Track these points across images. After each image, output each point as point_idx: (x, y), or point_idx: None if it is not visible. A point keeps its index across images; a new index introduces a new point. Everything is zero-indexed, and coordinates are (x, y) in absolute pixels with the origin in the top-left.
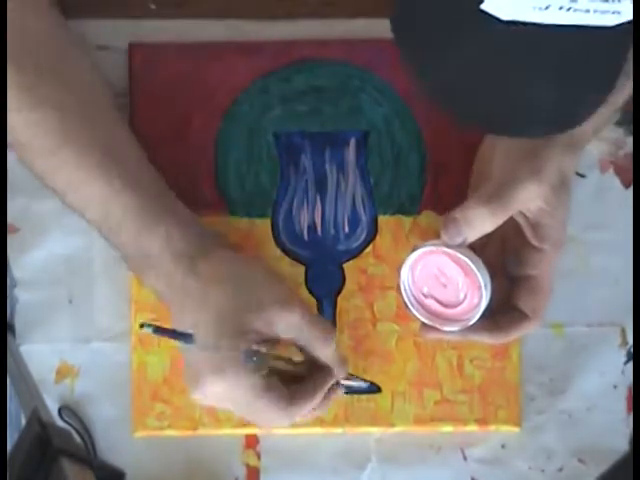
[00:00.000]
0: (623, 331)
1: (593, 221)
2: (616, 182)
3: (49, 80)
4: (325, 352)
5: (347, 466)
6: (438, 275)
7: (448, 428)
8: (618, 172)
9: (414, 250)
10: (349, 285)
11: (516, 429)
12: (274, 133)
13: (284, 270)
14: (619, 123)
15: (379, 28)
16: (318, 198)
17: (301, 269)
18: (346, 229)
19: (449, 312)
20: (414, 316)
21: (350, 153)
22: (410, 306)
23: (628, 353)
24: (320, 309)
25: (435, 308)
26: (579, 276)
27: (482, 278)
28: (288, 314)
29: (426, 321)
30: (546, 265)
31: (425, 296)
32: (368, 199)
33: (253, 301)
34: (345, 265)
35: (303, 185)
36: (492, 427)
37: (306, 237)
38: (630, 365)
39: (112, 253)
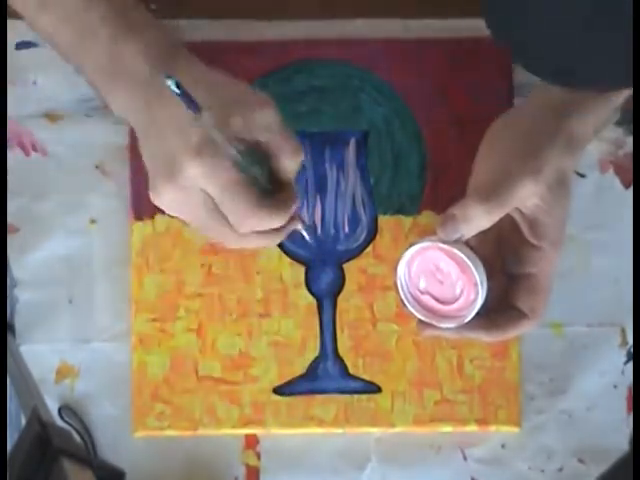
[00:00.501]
0: (623, 331)
1: (593, 221)
2: (616, 182)
3: None
4: (292, 165)
5: (347, 466)
6: (434, 271)
7: (448, 428)
8: (618, 172)
9: (411, 246)
10: (349, 285)
11: (516, 429)
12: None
13: (284, 270)
14: (619, 123)
15: (379, 28)
16: (318, 198)
17: (301, 269)
18: (346, 229)
19: (445, 309)
20: (410, 313)
21: (350, 153)
22: (407, 302)
23: (628, 353)
24: (320, 309)
25: (431, 305)
26: (579, 276)
27: (478, 275)
28: (270, 112)
29: (422, 318)
30: (545, 264)
31: (421, 292)
32: (368, 199)
33: (238, 94)
34: (345, 265)
35: (303, 185)
36: (492, 427)
37: (306, 237)
38: (630, 365)
39: (112, 253)
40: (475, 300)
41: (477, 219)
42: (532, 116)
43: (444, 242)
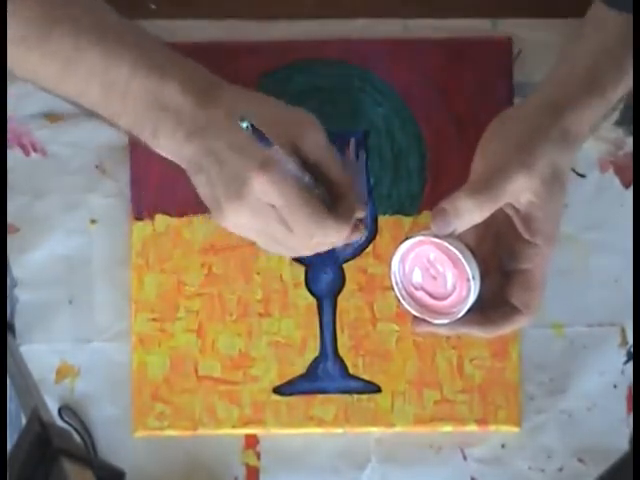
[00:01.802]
0: (623, 331)
1: (593, 221)
2: (616, 182)
3: None
4: (347, 177)
5: (347, 466)
6: (428, 267)
7: (448, 428)
8: (618, 172)
9: (404, 241)
10: (349, 285)
11: (516, 429)
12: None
13: (284, 270)
14: (619, 123)
15: (379, 28)
16: None
17: (301, 269)
18: None
19: (439, 304)
20: (405, 309)
21: (350, 153)
22: (401, 298)
23: (628, 353)
24: (320, 309)
25: (425, 300)
26: (579, 276)
27: (470, 270)
28: (317, 131)
29: (417, 314)
30: (539, 260)
31: (416, 288)
32: (368, 199)
33: (285, 117)
34: (345, 265)
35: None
36: (492, 427)
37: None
38: (630, 365)
39: (112, 253)
40: (468, 295)
41: (468, 213)
42: (528, 113)
43: (437, 237)
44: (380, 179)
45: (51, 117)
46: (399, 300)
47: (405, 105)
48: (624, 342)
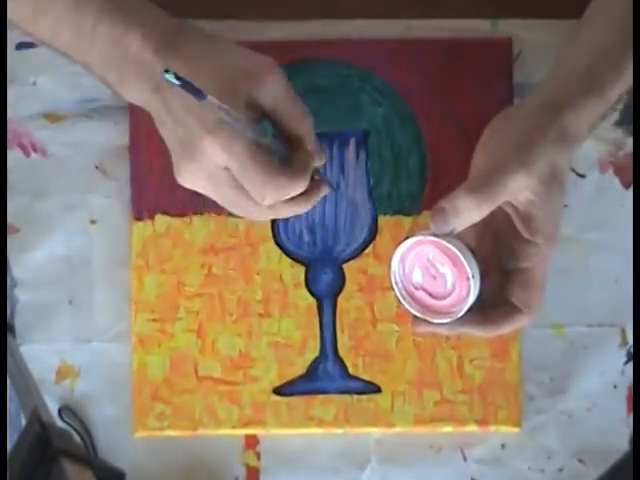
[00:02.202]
0: (623, 331)
1: (593, 221)
2: (616, 182)
3: None
4: (304, 127)
5: (347, 466)
6: (428, 266)
7: (448, 428)
8: (618, 172)
9: (404, 240)
10: (349, 285)
11: (516, 429)
12: (274, 133)
13: (284, 270)
14: (619, 123)
15: (379, 28)
16: None
17: (301, 269)
18: (346, 229)
19: (439, 304)
20: (405, 309)
21: (350, 153)
22: (401, 298)
23: (628, 353)
24: (320, 309)
25: (425, 300)
26: (579, 276)
27: (470, 269)
28: (273, 79)
29: (417, 314)
30: (539, 259)
31: (416, 288)
32: (368, 199)
33: (242, 68)
34: (345, 265)
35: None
36: (492, 427)
37: (306, 237)
38: (630, 365)
39: (112, 253)
40: (468, 295)
41: (466, 212)
42: (527, 112)
43: (436, 236)
44: (380, 179)
45: (51, 117)
46: (399, 300)
47: (405, 105)
48: (624, 342)
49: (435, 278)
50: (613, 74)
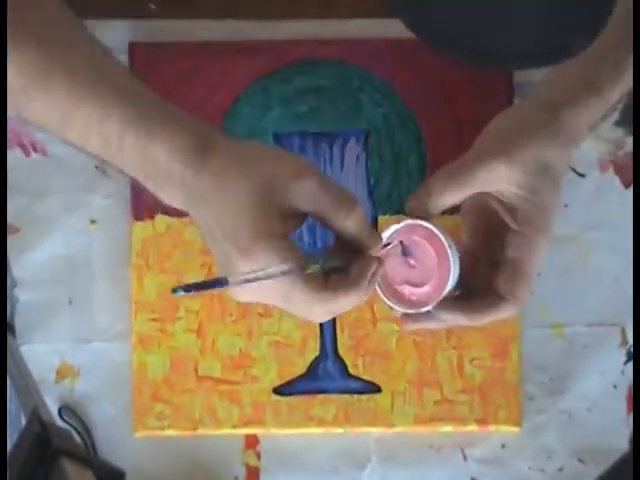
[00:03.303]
0: (623, 331)
1: (593, 221)
2: (616, 182)
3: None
4: (348, 221)
5: (347, 466)
6: (407, 257)
7: (448, 428)
8: (618, 172)
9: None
10: None
11: (516, 429)
12: (274, 133)
13: None
14: (619, 123)
15: (379, 28)
16: None
17: None
18: None
19: (423, 292)
20: (393, 308)
21: (350, 153)
22: (385, 298)
23: (628, 353)
24: None
25: (410, 292)
26: (579, 276)
27: (446, 239)
28: (305, 182)
29: (403, 310)
30: (527, 249)
31: (398, 283)
32: (368, 199)
33: (271, 180)
34: None
35: None
36: (492, 427)
37: (306, 237)
38: (630, 365)
39: (112, 253)
40: (449, 270)
41: (440, 197)
42: (523, 110)
43: (410, 220)
44: (380, 179)
45: None
46: (385, 300)
47: (405, 105)
48: (624, 342)
49: (415, 267)
50: (612, 75)
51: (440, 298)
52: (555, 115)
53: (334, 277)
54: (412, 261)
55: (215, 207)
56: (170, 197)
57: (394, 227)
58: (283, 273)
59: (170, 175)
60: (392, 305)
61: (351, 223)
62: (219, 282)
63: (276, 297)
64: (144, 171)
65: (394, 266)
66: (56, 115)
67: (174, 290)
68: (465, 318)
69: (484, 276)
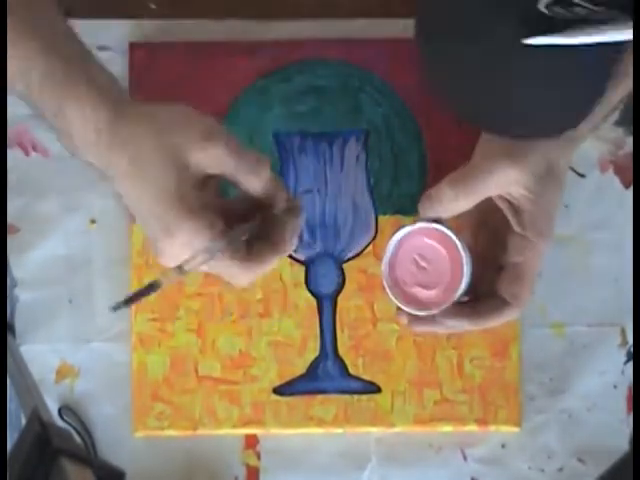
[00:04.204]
0: (623, 331)
1: (593, 221)
2: (616, 182)
3: None
4: (255, 183)
5: (347, 466)
6: (418, 259)
7: (448, 428)
8: (618, 172)
9: (392, 236)
10: (349, 285)
11: (516, 429)
12: (274, 133)
13: (284, 270)
14: (619, 123)
15: (379, 28)
16: (318, 198)
17: (301, 269)
18: (346, 229)
19: (433, 294)
20: (402, 308)
21: (350, 153)
22: (395, 299)
23: (628, 353)
24: (320, 309)
25: (420, 294)
26: (579, 276)
27: (460, 244)
28: (211, 146)
29: (413, 311)
30: (530, 253)
31: (409, 285)
32: (368, 199)
33: (181, 149)
34: (345, 265)
35: (303, 185)
36: (492, 427)
37: (306, 237)
38: (630, 365)
39: (112, 253)
40: (461, 274)
41: (451, 202)
42: None
43: (424, 224)
44: (380, 179)
45: None
46: (393, 299)
47: (405, 105)
48: (624, 342)
49: (426, 269)
50: (615, 76)
51: (451, 302)
52: None
53: (257, 245)
54: (424, 263)
55: (134, 189)
56: (85, 158)
57: (408, 228)
58: (210, 258)
59: (85, 142)
60: (401, 306)
61: (257, 183)
62: (152, 287)
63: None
64: (61, 128)
65: (405, 268)
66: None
67: (114, 308)
68: (470, 324)
69: (487, 279)
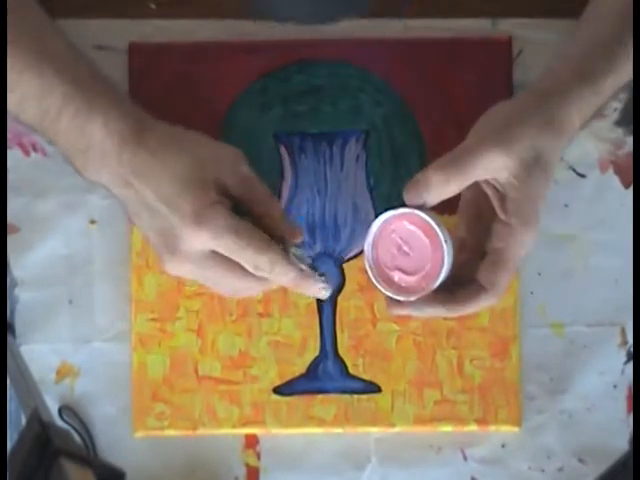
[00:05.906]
0: (623, 331)
1: (593, 221)
2: (616, 182)
3: None
4: (275, 209)
5: (347, 466)
6: (401, 244)
7: (448, 428)
8: (618, 172)
9: (375, 220)
10: (349, 285)
11: (516, 429)
12: (274, 133)
13: None
14: (619, 123)
15: (379, 28)
16: (318, 198)
17: None
18: (346, 229)
19: (414, 279)
20: (382, 292)
21: (350, 153)
22: (375, 281)
23: (628, 353)
24: (320, 309)
25: (401, 279)
26: (579, 276)
27: (442, 234)
28: (240, 166)
29: (393, 295)
30: (511, 240)
31: (390, 269)
32: (368, 199)
33: (207, 157)
34: (345, 265)
35: (303, 185)
36: (492, 427)
37: (306, 237)
38: (630, 365)
39: (112, 253)
40: (442, 262)
41: (438, 187)
42: (518, 99)
43: (408, 210)
44: (380, 179)
45: None
46: (373, 283)
47: (405, 105)
48: (624, 342)
49: (408, 254)
50: (606, 65)
51: (429, 290)
52: (546, 104)
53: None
54: (406, 248)
55: (155, 182)
56: (97, 174)
57: (390, 213)
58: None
59: (103, 153)
60: (381, 288)
61: (276, 209)
62: None
63: (214, 266)
64: (76, 146)
65: (387, 250)
66: None
67: None
68: (445, 310)
69: (468, 265)
